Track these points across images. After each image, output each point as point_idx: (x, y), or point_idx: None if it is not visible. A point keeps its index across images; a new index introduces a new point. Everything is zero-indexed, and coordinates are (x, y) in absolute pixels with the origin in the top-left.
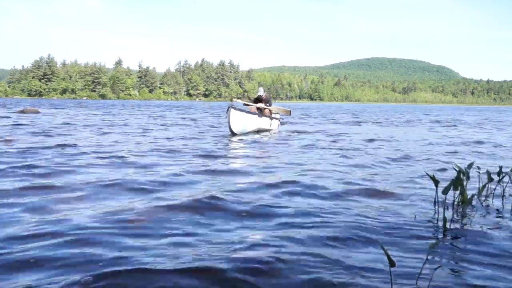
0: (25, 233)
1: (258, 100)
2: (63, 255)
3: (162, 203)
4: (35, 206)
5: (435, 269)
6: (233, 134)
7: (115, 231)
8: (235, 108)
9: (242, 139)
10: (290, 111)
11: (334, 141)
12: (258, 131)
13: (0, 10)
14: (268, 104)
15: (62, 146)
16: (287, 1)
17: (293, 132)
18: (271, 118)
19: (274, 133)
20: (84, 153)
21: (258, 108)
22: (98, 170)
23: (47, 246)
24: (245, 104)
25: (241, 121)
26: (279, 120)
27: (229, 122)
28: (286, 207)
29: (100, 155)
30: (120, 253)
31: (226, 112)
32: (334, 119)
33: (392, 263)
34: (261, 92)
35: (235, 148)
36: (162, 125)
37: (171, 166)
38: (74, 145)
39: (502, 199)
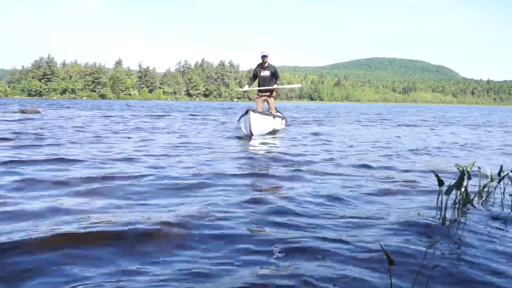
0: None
1: (261, 66)
2: None
3: None
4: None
5: (433, 267)
6: (251, 136)
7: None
8: (254, 111)
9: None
10: (300, 86)
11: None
12: (272, 132)
13: (0, 10)
14: (275, 78)
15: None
16: (287, 1)
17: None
18: (282, 118)
19: (282, 134)
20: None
21: (264, 99)
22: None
23: None
24: (244, 92)
25: (260, 123)
26: (286, 120)
27: (249, 126)
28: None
29: None
30: None
31: (243, 115)
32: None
33: (391, 262)
34: (265, 53)
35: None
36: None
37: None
38: None
39: (502, 199)
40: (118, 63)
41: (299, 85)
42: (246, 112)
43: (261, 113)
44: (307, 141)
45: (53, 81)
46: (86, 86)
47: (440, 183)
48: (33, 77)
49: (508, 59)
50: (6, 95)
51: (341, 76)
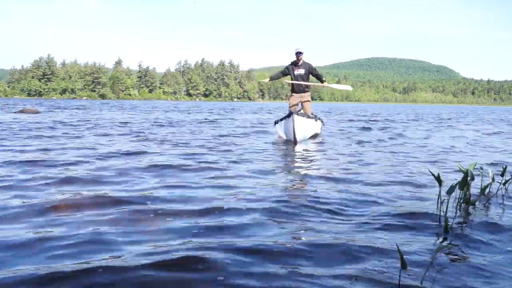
0: None
1: (295, 64)
2: None
3: None
4: None
5: (430, 263)
6: (296, 143)
7: None
8: (298, 114)
9: None
10: (351, 88)
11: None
12: (313, 136)
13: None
14: (317, 76)
15: None
16: (288, 1)
17: None
18: (322, 121)
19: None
20: None
21: (299, 101)
22: None
23: None
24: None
25: (304, 128)
26: (323, 122)
27: (294, 131)
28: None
29: None
30: None
31: (282, 118)
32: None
33: (404, 265)
34: (300, 49)
35: None
36: None
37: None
38: None
39: (503, 200)
40: (118, 63)
41: (350, 88)
42: (289, 115)
43: (304, 115)
44: None
45: (53, 81)
46: (86, 86)
47: (440, 183)
48: (32, 77)
49: (508, 59)
50: (6, 95)
51: (341, 76)
